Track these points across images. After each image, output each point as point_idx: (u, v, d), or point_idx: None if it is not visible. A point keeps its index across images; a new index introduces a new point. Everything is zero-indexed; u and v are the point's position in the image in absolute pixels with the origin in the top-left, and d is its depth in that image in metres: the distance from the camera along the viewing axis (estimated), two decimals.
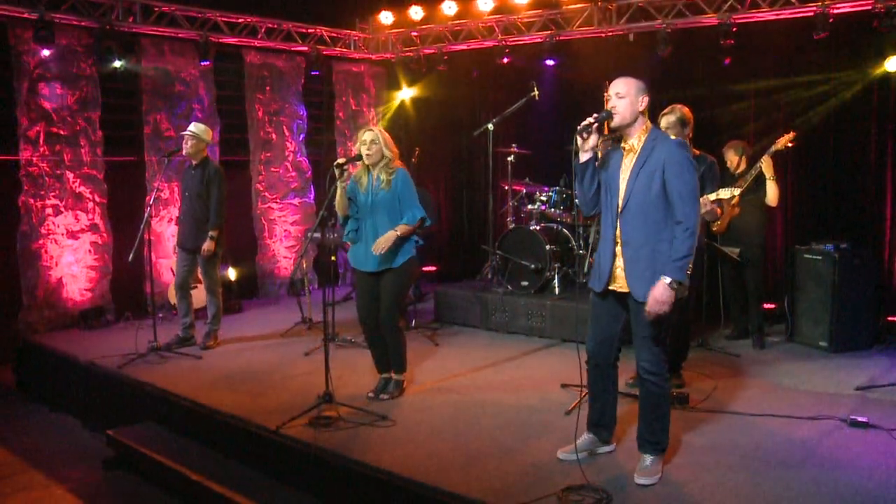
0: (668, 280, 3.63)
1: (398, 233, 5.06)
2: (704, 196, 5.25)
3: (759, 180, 6.32)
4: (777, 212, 7.21)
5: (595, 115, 3.73)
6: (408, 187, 5.14)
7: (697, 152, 5.37)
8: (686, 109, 5.29)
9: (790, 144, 6.12)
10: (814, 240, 6.83)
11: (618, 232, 3.83)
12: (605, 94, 3.84)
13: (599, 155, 3.91)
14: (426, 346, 6.88)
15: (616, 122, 3.77)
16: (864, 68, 7.07)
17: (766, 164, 6.20)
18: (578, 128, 3.74)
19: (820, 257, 6.57)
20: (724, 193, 5.56)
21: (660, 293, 3.65)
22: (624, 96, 3.76)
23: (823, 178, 7.51)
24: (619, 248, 3.84)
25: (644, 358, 3.85)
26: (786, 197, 7.60)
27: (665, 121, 5.27)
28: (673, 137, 3.87)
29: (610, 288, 3.93)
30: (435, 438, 4.58)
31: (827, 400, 5.20)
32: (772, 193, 6.32)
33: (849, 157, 7.36)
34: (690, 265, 3.70)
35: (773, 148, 6.14)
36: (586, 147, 3.80)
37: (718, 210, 6.44)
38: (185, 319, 6.94)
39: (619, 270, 3.86)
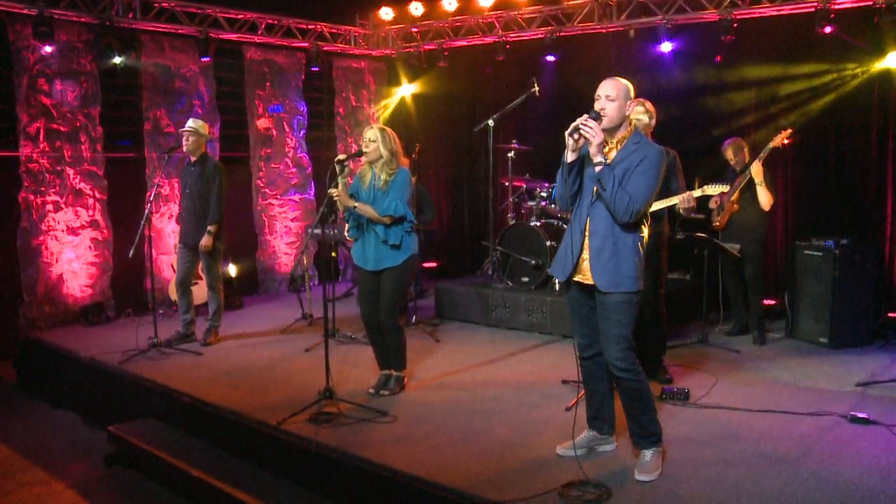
0: (599, 161, 3.71)
1: (353, 203, 5.06)
2: (688, 192, 5.28)
3: (752, 182, 6.33)
4: (777, 208, 7.20)
5: (585, 115, 3.74)
6: (401, 187, 5.12)
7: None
8: (649, 104, 5.26)
9: (787, 141, 6.12)
10: (814, 236, 6.83)
11: (587, 224, 3.90)
12: (596, 95, 3.85)
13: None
14: (427, 343, 6.87)
15: (604, 124, 3.80)
16: (865, 63, 7.06)
17: (755, 170, 6.24)
18: (569, 129, 3.75)
19: (820, 253, 6.56)
20: (711, 190, 5.57)
21: (601, 145, 3.71)
22: (614, 99, 3.80)
23: (824, 173, 7.49)
24: (586, 241, 3.90)
25: (614, 356, 3.87)
26: (786, 192, 7.60)
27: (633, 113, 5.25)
28: (652, 143, 3.89)
29: (575, 279, 3.99)
30: (435, 434, 4.58)
31: (827, 396, 5.20)
32: (763, 199, 6.34)
33: (849, 152, 7.34)
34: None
35: (770, 145, 6.15)
36: (575, 147, 3.81)
37: (695, 203, 6.45)
38: (186, 316, 6.94)
39: (585, 263, 3.92)
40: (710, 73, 7.95)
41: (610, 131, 3.85)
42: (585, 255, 3.92)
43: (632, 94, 3.87)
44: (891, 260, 7.08)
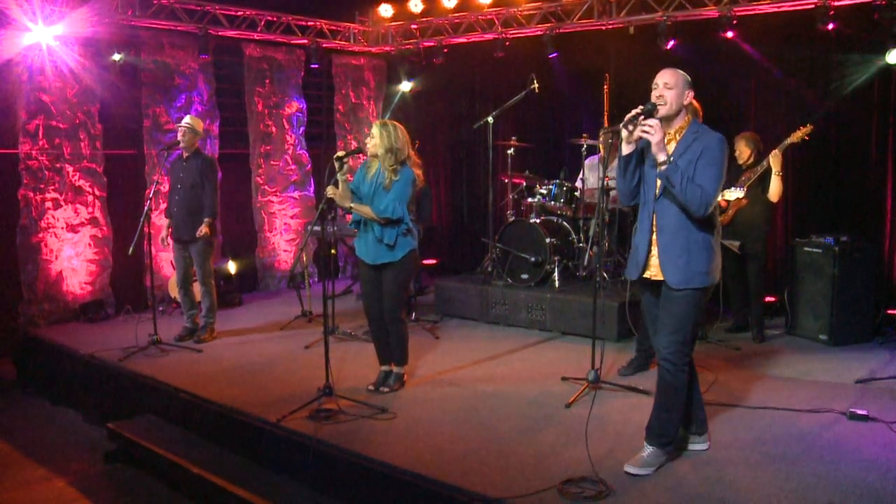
0: (662, 160, 3.68)
1: (349, 204, 5.10)
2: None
3: (767, 174, 6.31)
4: (778, 205, 7.19)
5: (641, 106, 3.74)
6: (403, 188, 5.09)
7: None
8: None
9: (807, 138, 6.11)
10: (814, 233, 6.82)
11: (654, 220, 3.88)
12: (654, 84, 3.84)
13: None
14: (426, 339, 6.87)
15: (662, 112, 3.78)
16: (865, 60, 7.03)
17: (774, 159, 6.20)
18: (624, 119, 3.74)
19: (820, 250, 6.56)
20: (730, 194, 5.55)
21: (662, 140, 3.69)
22: (672, 87, 3.79)
23: (824, 171, 7.49)
24: (654, 237, 3.89)
25: (663, 343, 3.88)
26: (787, 190, 7.53)
27: None
28: (713, 131, 3.87)
29: (645, 276, 3.97)
30: (435, 431, 4.58)
31: (826, 393, 5.20)
32: (775, 189, 6.30)
33: (849, 149, 7.35)
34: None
35: (788, 140, 6.14)
36: (631, 139, 3.80)
37: (724, 203, 6.44)
38: (191, 311, 6.98)
39: (654, 259, 3.90)
40: (710, 69, 7.92)
41: (668, 120, 3.83)
42: (654, 251, 3.90)
43: (690, 83, 3.85)
44: (890, 257, 7.09)
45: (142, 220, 6.51)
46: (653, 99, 3.79)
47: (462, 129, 10.05)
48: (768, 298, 7.25)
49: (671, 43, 7.75)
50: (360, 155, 5.38)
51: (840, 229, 6.81)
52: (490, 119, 7.40)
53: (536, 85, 7.28)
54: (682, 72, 3.86)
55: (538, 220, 7.55)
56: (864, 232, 7.01)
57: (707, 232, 3.81)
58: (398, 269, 5.17)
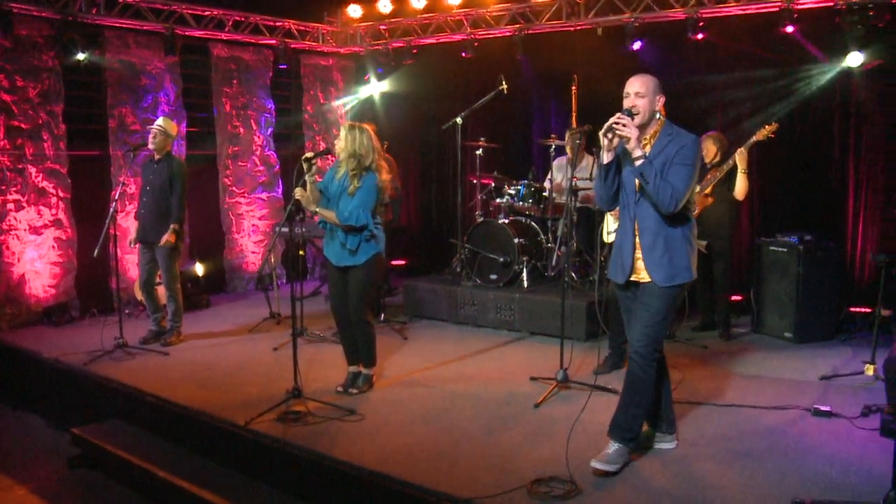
0: (638, 155, 3.75)
1: (315, 208, 5.07)
2: None
3: (732, 173, 6.37)
4: (744, 204, 7.27)
5: (618, 114, 3.77)
6: (367, 194, 5.07)
7: None
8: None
9: (772, 136, 6.18)
10: (779, 232, 6.91)
11: (636, 223, 3.94)
12: (625, 93, 3.89)
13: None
14: (395, 340, 6.85)
15: (637, 121, 3.83)
16: (827, 63, 7.15)
17: (740, 157, 6.25)
18: (603, 129, 3.78)
19: (785, 249, 6.64)
20: None
21: (636, 139, 3.75)
22: (644, 94, 3.85)
23: (789, 170, 7.58)
24: (637, 240, 3.94)
25: (636, 338, 3.93)
26: (752, 188, 7.60)
27: None
28: (685, 132, 3.93)
29: (631, 279, 4.01)
30: (404, 432, 4.57)
31: (791, 390, 5.27)
32: (740, 187, 6.35)
33: (814, 150, 7.45)
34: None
35: (754, 138, 6.19)
36: (611, 147, 3.84)
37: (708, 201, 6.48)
38: (156, 314, 6.87)
39: (640, 262, 3.96)
40: (677, 70, 8.00)
41: (642, 127, 3.88)
42: (639, 254, 3.96)
43: (660, 88, 3.92)
44: (852, 256, 7.22)
45: (107, 221, 6.41)
46: (626, 107, 3.84)
47: (431, 130, 10.01)
48: (734, 297, 7.32)
49: (638, 44, 7.80)
50: (330, 156, 5.34)
51: (804, 228, 6.90)
52: (459, 120, 7.39)
53: (505, 86, 7.29)
54: (651, 77, 3.91)
55: (507, 221, 7.55)
56: (827, 231, 7.11)
57: (686, 227, 3.91)
58: (362, 272, 5.16)
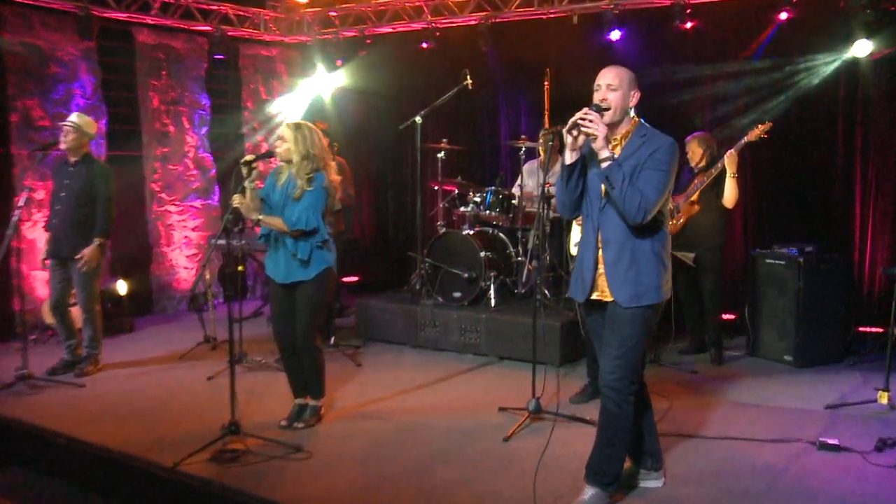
0: (605, 156, 3.69)
1: (258, 216, 5.00)
2: None
3: (721, 178, 6.40)
4: (735, 212, 7.32)
5: (586, 109, 3.72)
6: (316, 197, 5.04)
7: None
8: None
9: (765, 136, 6.22)
10: (776, 243, 6.98)
11: (599, 234, 3.88)
12: (596, 85, 3.85)
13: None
14: (347, 367, 6.81)
15: (608, 117, 3.78)
16: (830, 54, 7.24)
17: (729, 160, 6.29)
18: (568, 125, 3.73)
19: (783, 262, 6.70)
20: None
21: (605, 137, 3.69)
22: (617, 88, 3.80)
23: (786, 174, 7.67)
24: (600, 253, 3.88)
25: (607, 369, 3.86)
26: (745, 195, 7.72)
27: None
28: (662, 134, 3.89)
29: (593, 298, 3.94)
30: (356, 471, 4.52)
31: (794, 420, 5.29)
32: (730, 193, 6.39)
33: (814, 151, 7.53)
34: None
35: (745, 139, 6.24)
36: (575, 146, 3.78)
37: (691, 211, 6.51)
38: (70, 342, 6.71)
39: (602, 278, 3.89)
40: (662, 62, 8.09)
41: (612, 126, 3.83)
42: (601, 269, 3.89)
43: (635, 82, 3.88)
44: (860, 269, 7.28)
45: (9, 232, 6.22)
46: (595, 102, 3.81)
47: (387, 130, 9.96)
48: (727, 316, 7.38)
49: (618, 34, 7.85)
50: (273, 159, 5.30)
51: (805, 238, 6.96)
52: (418, 119, 7.40)
53: (470, 81, 7.32)
54: (626, 69, 3.88)
55: (472, 232, 7.56)
56: (831, 241, 7.18)
57: (656, 241, 3.83)
58: (312, 289, 5.11)
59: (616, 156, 3.73)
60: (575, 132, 3.73)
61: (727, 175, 6.34)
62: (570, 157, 3.81)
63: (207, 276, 8.29)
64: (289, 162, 5.09)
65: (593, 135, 3.69)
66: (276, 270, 5.16)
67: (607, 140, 3.72)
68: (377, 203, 10.64)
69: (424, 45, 8.95)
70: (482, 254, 7.32)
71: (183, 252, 9.56)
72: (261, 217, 5.02)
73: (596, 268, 3.90)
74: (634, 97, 3.86)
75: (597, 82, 3.85)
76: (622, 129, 3.87)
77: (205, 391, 6.15)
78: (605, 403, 3.89)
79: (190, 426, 5.27)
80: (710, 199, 6.50)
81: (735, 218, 7.63)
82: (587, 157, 3.87)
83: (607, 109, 3.77)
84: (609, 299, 3.86)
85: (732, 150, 6.29)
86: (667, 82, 8.03)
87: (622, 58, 8.01)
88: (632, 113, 3.89)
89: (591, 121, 3.67)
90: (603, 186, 3.79)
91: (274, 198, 5.13)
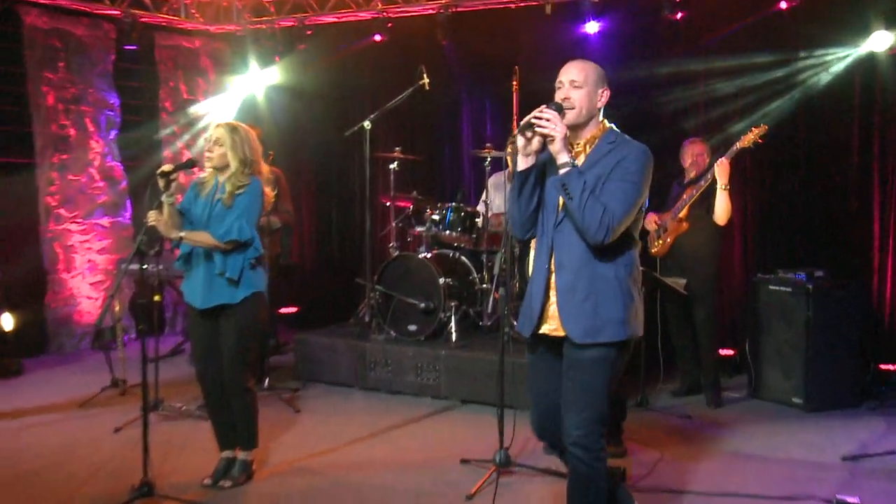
0: (563, 161, 3.59)
1: (179, 234, 4.94)
2: None
3: (712, 190, 6.44)
4: (733, 232, 7.36)
5: (543, 107, 3.64)
6: (250, 203, 5.02)
7: None
8: None
9: (760, 141, 6.26)
10: (781, 266, 7.02)
11: (552, 255, 3.80)
12: (557, 82, 3.80)
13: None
14: (284, 414, 6.77)
15: (571, 118, 3.72)
16: (842, 48, 7.32)
17: (719, 170, 6.32)
18: (521, 124, 3.66)
19: (789, 289, 6.74)
20: None
21: (564, 138, 3.58)
22: (581, 85, 3.74)
23: (792, 186, 7.75)
24: (553, 278, 3.80)
25: (573, 425, 3.74)
26: (744, 212, 7.82)
27: None
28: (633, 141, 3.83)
29: (542, 332, 3.86)
30: None
31: (805, 474, 5.30)
32: (721, 208, 6.43)
33: (824, 159, 7.62)
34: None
35: (739, 145, 6.29)
36: (529, 150, 3.70)
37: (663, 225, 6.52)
38: None
39: (553, 307, 3.80)
40: (648, 57, 8.18)
41: (576, 129, 3.78)
42: (553, 297, 3.80)
43: (606, 81, 3.82)
44: (879, 296, 7.34)
45: None
46: (557, 100, 3.75)
47: (331, 137, 9.96)
48: (724, 351, 7.43)
49: (596, 26, 7.89)
50: (196, 169, 5.24)
51: (814, 262, 7.04)
52: (367, 124, 7.40)
53: (427, 80, 7.38)
54: (593, 64, 3.83)
55: (429, 255, 7.59)
56: (845, 264, 7.25)
57: (622, 267, 3.74)
58: (240, 316, 5.05)
59: (577, 162, 3.66)
60: (529, 133, 3.65)
61: (718, 187, 6.38)
62: (522, 163, 3.74)
63: (116, 308, 8.18)
64: (222, 169, 5.05)
65: (550, 136, 3.61)
66: (195, 293, 5.09)
67: (567, 143, 3.64)
68: (319, 222, 10.63)
69: (377, 37, 8.96)
70: (441, 280, 7.32)
71: (86, 279, 9.45)
72: (183, 234, 4.96)
73: (546, 295, 3.82)
74: (603, 97, 3.81)
75: (559, 79, 3.80)
76: (587, 134, 3.81)
77: (111, 446, 6.03)
78: (575, 465, 3.78)
79: (93, 489, 5.17)
80: (700, 215, 6.56)
81: (732, 238, 7.72)
82: (547, 165, 3.81)
83: (570, 109, 3.71)
84: (560, 334, 3.77)
85: (723, 159, 6.34)
86: (652, 81, 8.14)
87: (601, 53, 8.13)
88: (600, 116, 3.85)
89: (548, 120, 3.58)
90: (561, 198, 3.72)
91: (196, 211, 5.08)
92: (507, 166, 7.48)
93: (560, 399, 3.81)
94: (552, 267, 3.79)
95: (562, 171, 3.60)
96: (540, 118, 3.58)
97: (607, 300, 3.68)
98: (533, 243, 3.96)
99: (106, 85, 9.51)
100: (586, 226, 3.58)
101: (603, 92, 3.80)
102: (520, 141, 3.68)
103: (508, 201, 3.98)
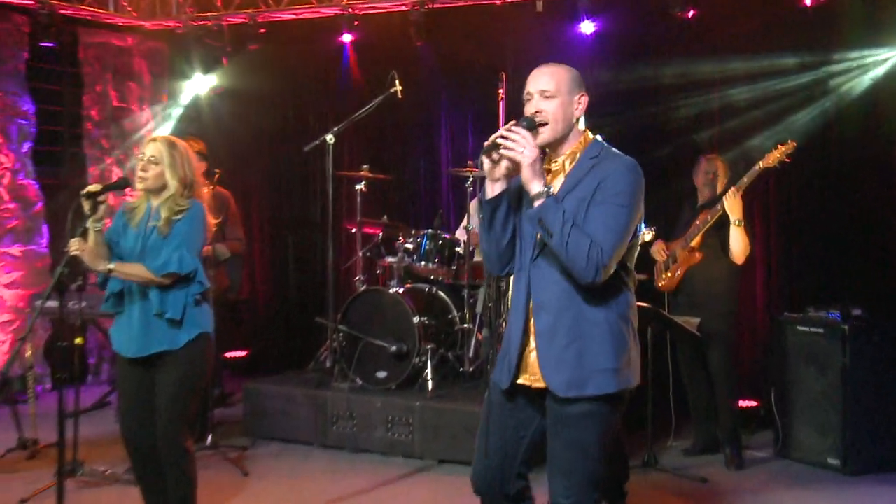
0: (536, 192, 3.53)
1: (107, 266, 4.87)
2: None
3: (725, 221, 6.44)
4: (754, 263, 7.34)
5: (512, 123, 3.60)
6: (191, 231, 4.97)
7: None
8: None
9: (787, 160, 6.25)
10: (811, 303, 6.99)
11: (529, 293, 3.74)
12: (525, 94, 3.75)
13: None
14: (230, 476, 6.71)
15: (545, 136, 3.66)
16: (884, 48, 7.34)
17: (730, 201, 6.32)
18: (485, 145, 3.61)
19: (821, 330, 6.70)
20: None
21: (535, 163, 3.52)
22: (554, 94, 3.67)
23: (823, 212, 7.75)
24: (531, 322, 3.74)
25: (560, 493, 3.69)
26: (767, 241, 7.81)
27: None
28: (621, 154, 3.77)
29: (520, 382, 3.79)
30: None
31: None
32: (737, 245, 6.45)
33: (860, 178, 7.61)
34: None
35: (762, 164, 6.28)
36: (497, 174, 3.65)
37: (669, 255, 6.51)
38: None
39: (533, 355, 3.73)
40: (655, 61, 8.22)
41: (555, 145, 3.73)
42: (532, 342, 3.74)
43: (582, 86, 3.76)
44: None
45: None
46: (527, 115, 3.70)
47: (288, 152, 10.06)
48: (746, 403, 7.41)
49: (592, 26, 7.90)
50: (129, 190, 5.15)
51: (849, 298, 6.96)
52: (330, 137, 7.38)
53: (399, 88, 7.38)
54: (565, 68, 3.77)
55: (402, 290, 7.60)
56: (885, 302, 7.20)
57: (613, 307, 3.68)
58: (182, 364, 4.96)
59: (551, 190, 3.57)
60: (495, 154, 3.60)
61: (730, 222, 6.39)
62: (490, 190, 3.70)
63: (28, 353, 8.09)
64: (157, 192, 4.98)
65: (516, 161, 3.55)
66: (129, 341, 4.98)
67: (540, 169, 3.56)
68: (274, 251, 10.62)
69: (347, 38, 8.94)
70: (416, 319, 7.30)
71: None
72: (112, 266, 4.87)
73: (525, 341, 3.77)
74: (580, 103, 3.74)
75: (526, 89, 3.73)
76: (567, 149, 3.76)
77: None
78: None
79: None
80: (715, 245, 6.56)
81: (753, 270, 7.70)
82: (522, 188, 3.73)
83: (543, 125, 3.65)
84: (542, 385, 3.70)
85: (732, 190, 6.32)
86: (658, 87, 8.19)
87: (600, 55, 8.17)
88: (580, 125, 3.80)
89: (515, 140, 3.52)
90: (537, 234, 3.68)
91: (126, 244, 4.99)
92: None
93: (512, 452, 3.82)
94: (530, 307, 3.74)
95: (536, 204, 3.54)
96: (507, 138, 3.53)
97: (594, 346, 3.61)
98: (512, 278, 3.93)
99: (17, 88, 9.46)
100: (573, 265, 3.51)
101: (580, 98, 3.74)
102: (486, 164, 3.63)
103: (479, 235, 3.93)
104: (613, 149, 3.77)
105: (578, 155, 3.72)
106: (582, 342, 3.60)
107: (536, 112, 3.64)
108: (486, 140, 3.58)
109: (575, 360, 3.59)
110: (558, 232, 3.47)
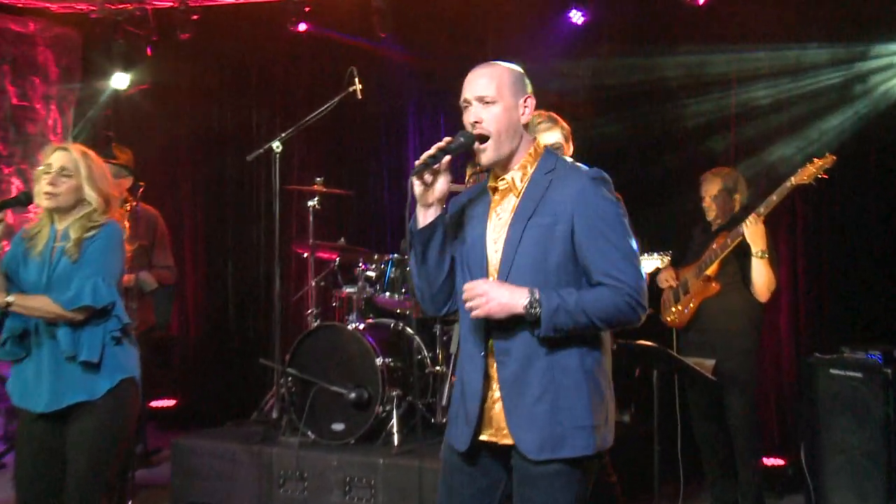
0: (532, 300, 3.48)
1: (8, 300, 4.74)
2: None
3: (746, 249, 6.42)
4: (779, 296, 7.28)
5: (447, 139, 3.59)
6: (104, 255, 4.88)
7: None
8: (563, 121, 5.29)
9: (823, 176, 6.21)
10: (845, 343, 6.91)
11: (489, 336, 3.68)
12: (462, 101, 3.69)
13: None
14: None
15: (489, 153, 3.62)
16: None
17: (750, 229, 6.29)
18: (416, 164, 3.58)
19: (859, 374, 6.61)
20: (645, 265, 5.54)
21: (504, 294, 3.50)
22: (495, 100, 3.62)
23: (857, 233, 7.74)
24: (493, 368, 3.68)
25: None
26: (794, 270, 7.77)
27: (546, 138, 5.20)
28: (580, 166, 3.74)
29: (482, 439, 3.73)
30: None
31: None
32: (760, 279, 6.43)
33: None
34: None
35: (794, 181, 6.25)
36: (430, 199, 3.63)
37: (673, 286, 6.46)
38: None
39: (497, 407, 3.69)
40: (659, 53, 8.22)
41: (503, 162, 3.67)
42: (495, 393, 3.67)
43: (527, 85, 3.72)
44: None
45: None
46: (466, 126, 3.66)
47: (227, 162, 10.08)
48: (771, 460, 7.38)
49: (581, 17, 7.88)
50: (32, 207, 5.14)
51: (891, 338, 6.93)
52: (276, 145, 7.38)
53: (359, 86, 7.40)
54: (505, 67, 3.74)
55: (362, 326, 7.63)
56: None
57: (587, 352, 3.64)
58: (101, 418, 4.86)
59: (536, 296, 3.49)
60: (428, 176, 3.60)
61: (752, 253, 6.35)
62: (422, 218, 3.67)
63: None
64: (67, 210, 4.89)
65: (491, 317, 3.54)
66: (36, 392, 4.86)
67: (515, 297, 3.50)
68: (209, 280, 10.60)
69: (301, 27, 8.94)
70: (379, 361, 7.25)
71: None
72: (11, 299, 4.75)
73: (486, 391, 3.71)
74: (527, 107, 3.71)
75: (463, 96, 3.69)
76: (515, 163, 3.72)
77: None
78: None
79: None
80: (735, 273, 6.54)
81: (778, 304, 7.69)
82: (465, 208, 3.78)
83: (484, 140, 3.61)
84: (507, 442, 3.66)
85: (752, 217, 6.28)
86: (663, 86, 8.20)
87: (595, 47, 8.15)
88: (530, 133, 3.79)
89: (475, 296, 3.50)
90: (494, 255, 3.67)
91: (28, 275, 4.88)
92: None
93: None
94: (490, 354, 3.69)
95: (542, 329, 3.49)
96: (433, 158, 3.55)
97: (570, 400, 3.59)
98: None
99: None
100: (616, 327, 3.62)
101: (525, 101, 3.71)
102: (416, 187, 3.62)
103: (411, 269, 3.88)
104: (567, 158, 3.81)
105: (530, 169, 3.71)
106: (556, 394, 3.59)
107: (476, 122, 3.60)
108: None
109: (548, 416, 3.57)
110: (582, 322, 3.48)
